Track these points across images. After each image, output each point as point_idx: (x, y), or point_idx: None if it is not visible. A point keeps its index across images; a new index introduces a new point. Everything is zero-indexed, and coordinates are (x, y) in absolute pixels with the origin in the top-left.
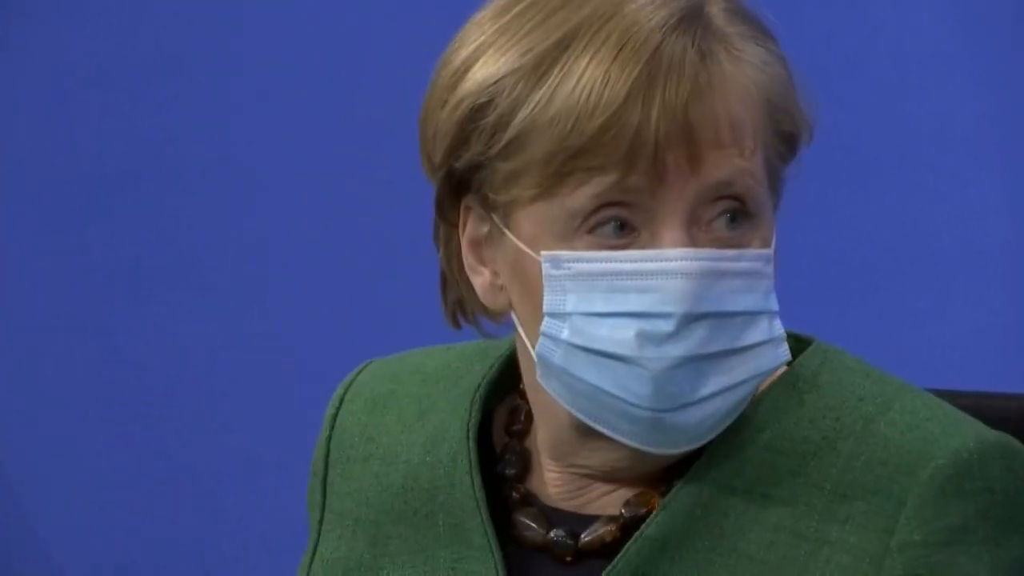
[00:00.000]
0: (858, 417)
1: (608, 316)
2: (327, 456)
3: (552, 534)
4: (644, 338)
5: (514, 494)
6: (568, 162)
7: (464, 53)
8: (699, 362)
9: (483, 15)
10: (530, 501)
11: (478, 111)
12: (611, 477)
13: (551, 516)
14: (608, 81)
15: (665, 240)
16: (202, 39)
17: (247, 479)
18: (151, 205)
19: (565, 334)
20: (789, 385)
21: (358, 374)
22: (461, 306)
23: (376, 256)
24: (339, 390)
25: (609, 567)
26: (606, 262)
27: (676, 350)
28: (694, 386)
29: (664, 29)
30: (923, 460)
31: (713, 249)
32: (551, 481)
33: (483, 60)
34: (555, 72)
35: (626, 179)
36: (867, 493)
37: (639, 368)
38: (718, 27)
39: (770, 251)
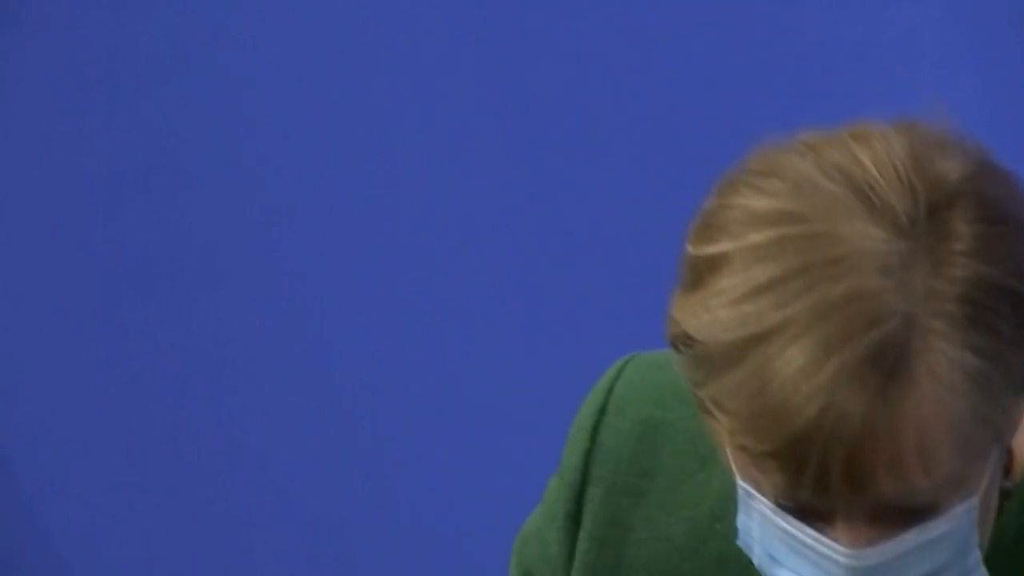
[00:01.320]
0: None
1: (784, 566)
2: (585, 472)
3: None
4: None
5: None
6: (762, 456)
7: (712, 265)
8: None
9: (740, 232)
10: None
11: (691, 347)
12: None
13: None
14: (797, 388)
15: (838, 531)
16: (212, 30)
17: (258, 475)
18: (161, 198)
19: (754, 554)
20: None
21: (616, 379)
22: None
23: (393, 247)
24: (592, 410)
25: None
26: (791, 532)
27: None
28: None
29: (868, 348)
30: None
31: (888, 540)
32: None
33: (714, 299)
34: (757, 354)
35: (795, 490)
36: None
37: None
38: (933, 346)
39: (966, 506)
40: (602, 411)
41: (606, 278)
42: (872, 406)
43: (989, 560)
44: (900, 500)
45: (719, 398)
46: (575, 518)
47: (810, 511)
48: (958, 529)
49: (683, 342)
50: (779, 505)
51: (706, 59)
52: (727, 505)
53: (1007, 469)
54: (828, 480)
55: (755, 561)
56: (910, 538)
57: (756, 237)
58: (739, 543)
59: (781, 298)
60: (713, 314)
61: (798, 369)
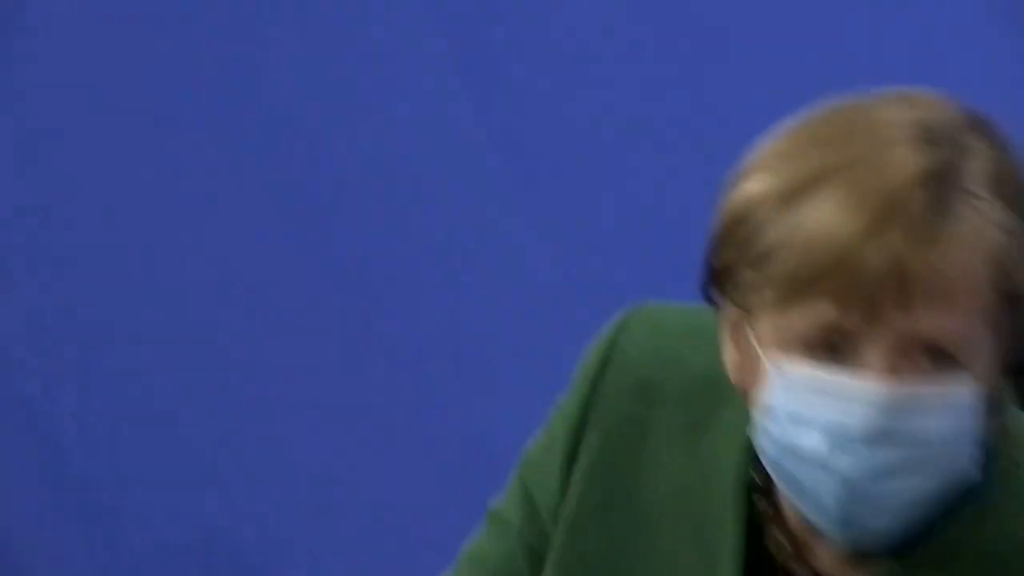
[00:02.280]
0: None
1: (809, 424)
2: (584, 419)
3: (796, 566)
4: (836, 447)
5: (770, 529)
6: (801, 286)
7: (746, 165)
8: (883, 475)
9: (776, 132)
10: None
11: (737, 222)
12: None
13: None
14: (845, 224)
15: (867, 366)
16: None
17: None
18: None
19: (771, 426)
20: (987, 494)
21: (620, 334)
22: None
23: None
24: (599, 353)
25: None
26: (819, 376)
27: (865, 462)
28: (877, 493)
29: (908, 182)
30: None
31: (911, 384)
32: (793, 523)
33: (754, 176)
34: (802, 204)
35: (842, 315)
36: None
37: (828, 471)
38: (967, 185)
39: (973, 386)
40: (605, 363)
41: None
42: (924, 227)
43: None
44: (933, 332)
45: (772, 249)
46: (572, 456)
47: (840, 350)
48: (961, 402)
49: (727, 230)
50: (812, 351)
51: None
52: (711, 470)
53: (997, 419)
54: (879, 303)
55: (774, 437)
56: (925, 388)
57: (788, 135)
58: (757, 435)
59: (825, 152)
60: (769, 177)
61: (852, 199)
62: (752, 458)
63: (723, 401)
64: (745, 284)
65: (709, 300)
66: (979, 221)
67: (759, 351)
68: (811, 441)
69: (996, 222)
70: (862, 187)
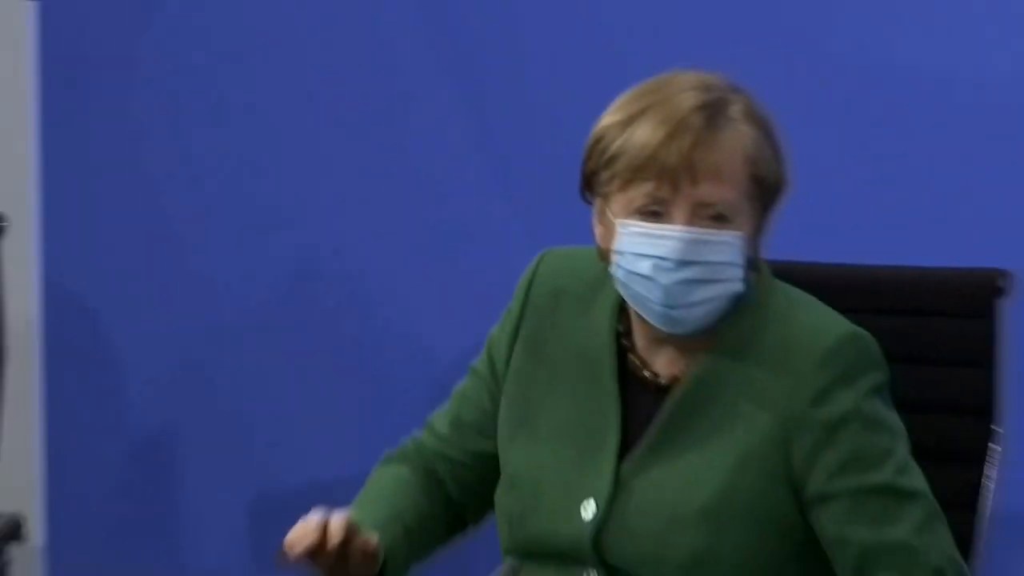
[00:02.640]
0: (784, 323)
1: (643, 256)
2: (523, 310)
3: (647, 372)
4: (658, 269)
5: (630, 356)
6: (634, 175)
7: (606, 110)
8: (688, 276)
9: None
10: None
11: (596, 141)
12: (669, 345)
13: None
14: (655, 135)
15: (675, 221)
16: None
17: None
18: None
19: (622, 263)
20: (754, 307)
21: (540, 263)
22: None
23: None
24: (528, 274)
25: (677, 391)
26: (645, 228)
27: (676, 274)
28: (686, 291)
29: (691, 109)
30: (815, 344)
31: (701, 230)
32: (641, 348)
33: (606, 115)
34: (632, 127)
35: (658, 190)
36: (785, 367)
37: (654, 283)
38: (729, 114)
39: (739, 234)
40: (532, 280)
41: None
42: (702, 134)
43: (747, 349)
44: (711, 198)
45: (616, 155)
46: (515, 335)
47: (659, 214)
48: (732, 244)
49: (591, 148)
50: (642, 215)
51: None
52: (596, 331)
53: (755, 264)
54: (678, 180)
55: (624, 268)
56: (710, 232)
57: (627, 92)
58: (613, 269)
59: (645, 98)
60: (614, 114)
61: (659, 121)
62: (618, 317)
63: (602, 287)
64: (602, 180)
65: (584, 199)
66: (736, 134)
67: (613, 220)
68: (644, 267)
69: (747, 135)
70: (665, 115)
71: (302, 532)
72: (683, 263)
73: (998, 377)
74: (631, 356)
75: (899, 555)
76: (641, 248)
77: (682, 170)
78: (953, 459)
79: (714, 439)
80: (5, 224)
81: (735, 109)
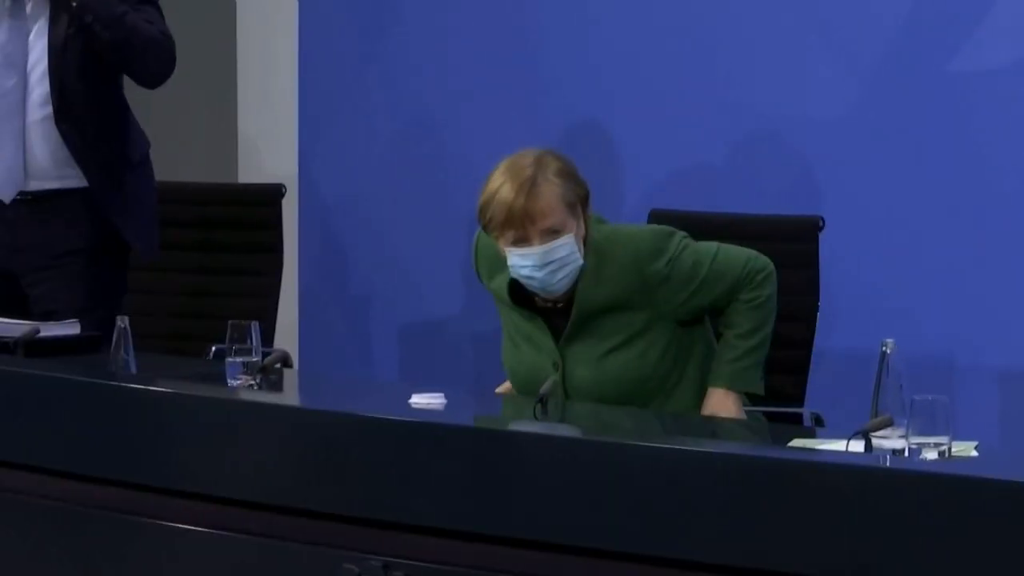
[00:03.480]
0: (612, 244)
1: (522, 266)
2: (477, 262)
3: (548, 303)
4: (531, 271)
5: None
6: (500, 227)
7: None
8: (551, 270)
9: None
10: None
11: (481, 210)
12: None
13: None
14: (505, 203)
15: (532, 244)
16: None
17: None
18: None
19: (512, 270)
20: (594, 252)
21: (480, 238)
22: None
23: None
24: (474, 246)
25: (574, 309)
26: (518, 251)
27: (544, 271)
28: (552, 277)
29: (522, 181)
30: (636, 253)
31: (550, 244)
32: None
33: (487, 187)
34: (495, 200)
35: (517, 232)
36: (629, 271)
37: (532, 279)
38: (545, 175)
39: (570, 235)
40: (477, 249)
41: None
42: (530, 194)
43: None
44: (549, 226)
45: (495, 220)
46: (484, 283)
47: (522, 241)
48: (568, 244)
49: (481, 211)
50: (514, 245)
51: None
52: (503, 282)
53: (584, 238)
54: (524, 223)
55: (515, 271)
56: (556, 242)
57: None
58: (513, 275)
59: (494, 180)
60: (483, 196)
61: (505, 195)
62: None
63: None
64: (490, 228)
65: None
66: (551, 186)
67: (503, 248)
68: (524, 272)
69: (555, 183)
70: (511, 186)
71: None
72: (543, 265)
73: (816, 274)
74: (536, 299)
75: (733, 287)
76: (520, 262)
77: (525, 217)
78: (793, 318)
79: (609, 316)
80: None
81: (547, 172)
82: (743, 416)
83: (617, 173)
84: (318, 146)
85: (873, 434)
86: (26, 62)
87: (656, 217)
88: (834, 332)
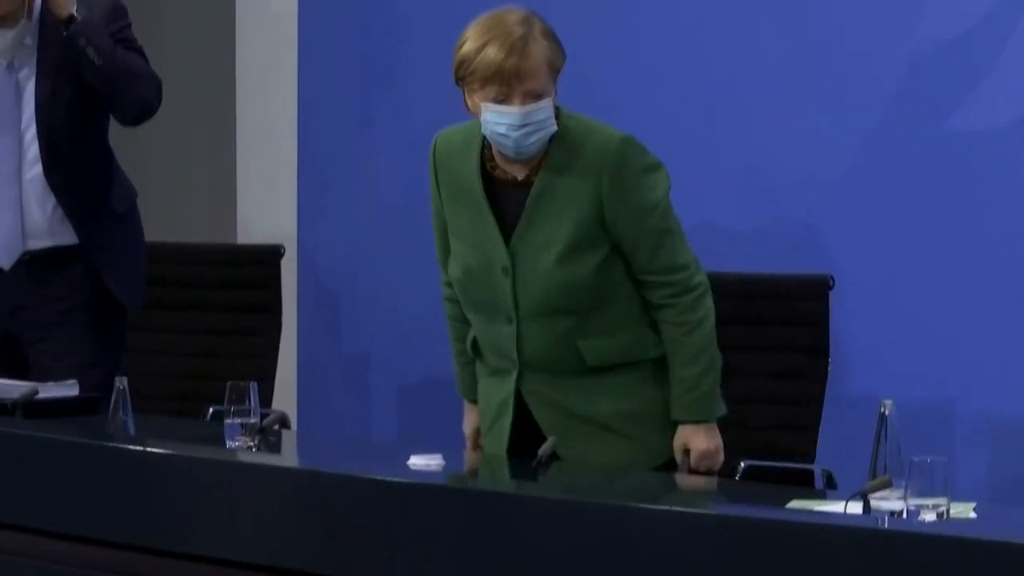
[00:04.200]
0: (583, 136)
1: (499, 123)
2: (435, 171)
3: (509, 177)
4: (508, 129)
5: (495, 172)
6: (486, 81)
7: (462, 41)
8: (527, 131)
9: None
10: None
11: (462, 62)
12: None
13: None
14: (496, 58)
15: (515, 103)
16: None
17: None
18: None
19: (487, 127)
20: (561, 133)
21: (436, 141)
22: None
23: None
24: (432, 148)
25: (535, 185)
26: (498, 109)
27: (519, 132)
28: (527, 138)
29: (514, 39)
30: (605, 149)
31: (529, 105)
32: (501, 170)
33: (464, 43)
34: (483, 52)
35: (501, 88)
36: (591, 168)
37: (508, 137)
38: (534, 35)
39: (549, 100)
40: (435, 152)
41: None
42: (522, 53)
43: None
44: (533, 88)
45: (477, 75)
46: (439, 189)
47: (504, 100)
48: (546, 108)
49: (458, 66)
50: (495, 101)
51: None
52: (472, 162)
53: (556, 111)
54: (511, 82)
55: (489, 129)
56: (533, 106)
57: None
58: (484, 131)
59: (485, 33)
60: (467, 47)
61: (497, 49)
62: (483, 154)
63: (471, 140)
64: (467, 81)
65: (457, 86)
66: (538, 47)
67: (478, 103)
68: (501, 129)
69: (544, 46)
70: (499, 44)
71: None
72: (521, 125)
73: (828, 333)
74: (497, 171)
75: (654, 269)
76: (497, 119)
77: (513, 76)
78: (798, 376)
79: (560, 210)
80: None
81: (535, 32)
82: (719, 444)
83: None
84: (317, 206)
85: (871, 495)
86: (20, 123)
87: None
88: (845, 387)
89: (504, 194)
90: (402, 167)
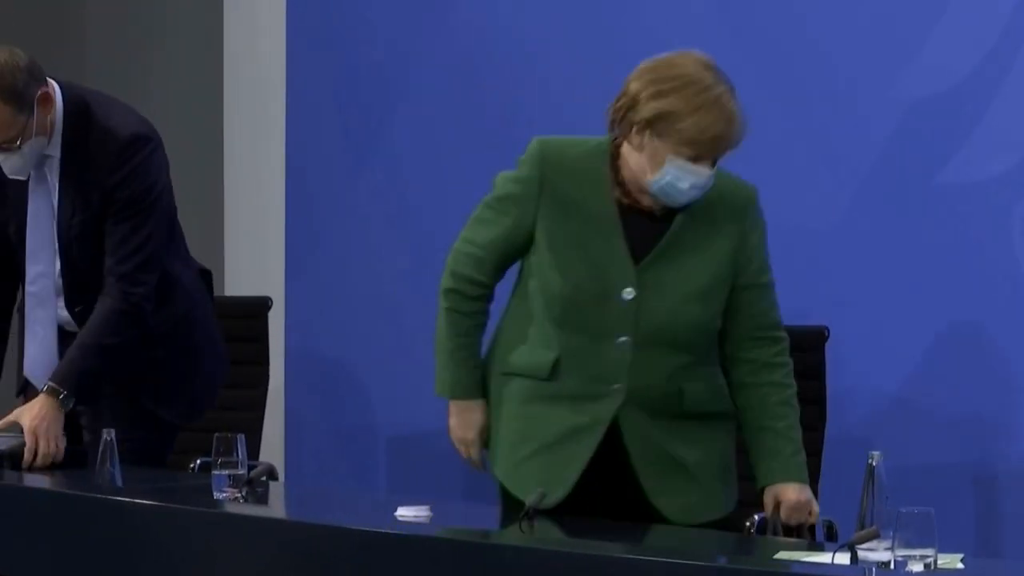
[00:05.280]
0: (717, 180)
1: (685, 179)
2: (541, 175)
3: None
4: (692, 186)
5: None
6: (696, 147)
7: (661, 81)
8: (704, 190)
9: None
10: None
11: (666, 116)
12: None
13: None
14: (714, 130)
15: (706, 165)
16: None
17: None
18: None
19: (667, 176)
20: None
21: (543, 146)
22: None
23: None
24: (537, 153)
25: (677, 220)
26: (691, 168)
27: (700, 191)
28: (699, 194)
29: (731, 111)
30: (749, 200)
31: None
32: (633, 200)
33: (671, 95)
34: (697, 117)
35: (700, 152)
36: (734, 214)
37: (685, 193)
38: (735, 99)
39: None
40: (543, 155)
41: None
42: (730, 122)
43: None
44: (721, 155)
45: (683, 136)
46: (539, 196)
47: (695, 160)
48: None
49: (662, 121)
50: (687, 160)
51: None
52: (599, 189)
53: None
54: (715, 151)
55: (667, 180)
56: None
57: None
58: (660, 179)
59: (702, 93)
60: (675, 100)
61: (714, 119)
62: (612, 178)
63: (596, 162)
64: (663, 134)
65: (618, 120)
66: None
67: (663, 151)
68: (685, 184)
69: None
70: (718, 115)
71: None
72: (705, 186)
73: (825, 384)
74: (626, 200)
75: (779, 329)
76: (681, 176)
77: (721, 148)
78: (801, 427)
79: (699, 250)
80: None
81: (734, 95)
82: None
83: None
84: (305, 258)
85: (859, 546)
86: (55, 240)
87: None
88: (843, 437)
89: (634, 223)
90: (389, 220)
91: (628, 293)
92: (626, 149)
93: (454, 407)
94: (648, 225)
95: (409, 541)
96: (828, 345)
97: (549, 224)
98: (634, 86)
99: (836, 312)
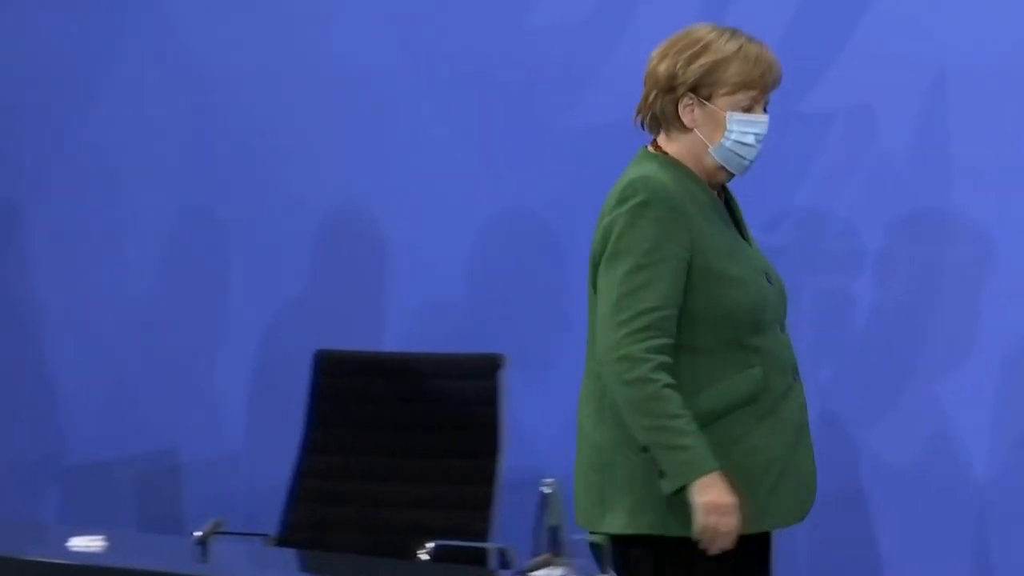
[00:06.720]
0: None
1: (748, 132)
2: (673, 209)
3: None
4: (756, 137)
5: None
6: (741, 86)
7: (705, 42)
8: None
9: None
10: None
11: (714, 68)
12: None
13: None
14: (762, 68)
15: (758, 112)
16: None
17: None
18: None
19: (731, 136)
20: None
21: (660, 189)
22: None
23: None
24: (658, 189)
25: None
26: (750, 117)
27: (763, 143)
28: (758, 152)
29: (769, 52)
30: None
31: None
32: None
33: (712, 48)
34: (741, 58)
35: (752, 95)
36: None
37: (753, 148)
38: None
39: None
40: (665, 196)
41: None
42: (769, 55)
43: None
44: (771, 92)
45: (739, 76)
46: (688, 228)
47: (749, 109)
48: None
49: (709, 73)
50: (743, 110)
51: None
52: (706, 194)
53: None
54: (767, 87)
55: (732, 140)
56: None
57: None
58: (724, 143)
59: (735, 40)
60: (717, 52)
61: (759, 48)
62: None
63: (680, 174)
64: (718, 86)
65: (668, 97)
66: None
67: (719, 111)
68: (751, 138)
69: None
70: (760, 46)
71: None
72: (765, 135)
73: (500, 411)
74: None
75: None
76: (745, 129)
77: (773, 80)
78: (471, 455)
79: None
80: None
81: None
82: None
83: None
84: None
85: (532, 574)
86: None
87: None
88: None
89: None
90: None
91: (768, 278)
92: (674, 138)
93: (708, 480)
94: (723, 211)
95: (83, 571)
96: (502, 372)
97: (703, 244)
98: (663, 67)
99: (511, 341)
